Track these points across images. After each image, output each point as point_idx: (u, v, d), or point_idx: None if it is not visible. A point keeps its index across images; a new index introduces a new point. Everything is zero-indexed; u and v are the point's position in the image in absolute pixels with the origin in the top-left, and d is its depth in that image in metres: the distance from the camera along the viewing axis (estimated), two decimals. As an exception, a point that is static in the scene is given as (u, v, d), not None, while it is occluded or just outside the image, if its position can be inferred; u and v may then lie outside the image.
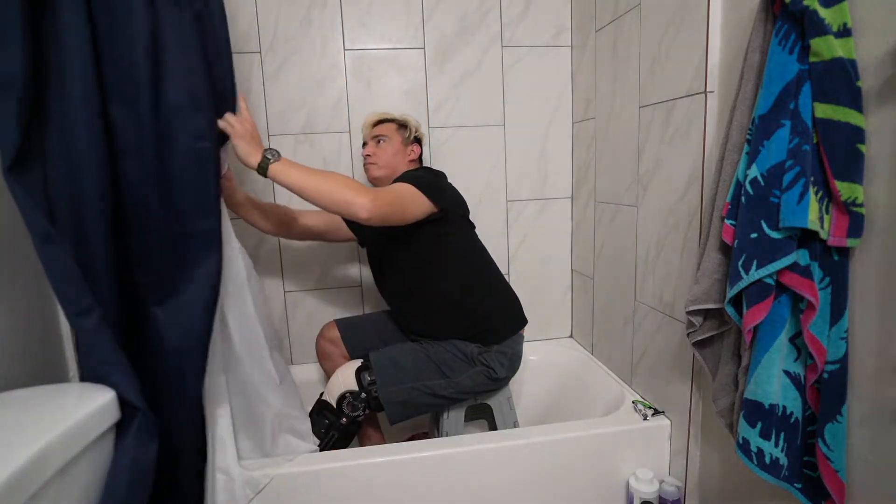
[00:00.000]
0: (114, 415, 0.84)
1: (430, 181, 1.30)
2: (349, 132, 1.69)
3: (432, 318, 1.37)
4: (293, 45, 1.62)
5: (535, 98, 1.77)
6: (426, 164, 1.72)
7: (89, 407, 0.79)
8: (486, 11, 1.69)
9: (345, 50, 1.65)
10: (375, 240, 1.43)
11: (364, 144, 1.50)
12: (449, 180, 1.46)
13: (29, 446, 0.67)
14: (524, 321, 1.46)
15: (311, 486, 1.16)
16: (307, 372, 1.72)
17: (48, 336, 1.04)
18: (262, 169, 1.08)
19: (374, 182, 1.46)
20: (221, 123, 1.06)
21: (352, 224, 1.37)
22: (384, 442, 1.52)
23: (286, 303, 1.75)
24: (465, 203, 1.43)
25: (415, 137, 1.49)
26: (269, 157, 1.08)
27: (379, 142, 1.44)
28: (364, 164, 1.47)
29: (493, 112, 1.76)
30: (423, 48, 1.69)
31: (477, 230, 1.48)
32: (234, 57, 1.56)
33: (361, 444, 1.48)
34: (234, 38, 1.57)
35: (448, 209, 1.32)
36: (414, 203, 1.23)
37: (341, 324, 1.56)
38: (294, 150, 1.67)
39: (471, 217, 1.46)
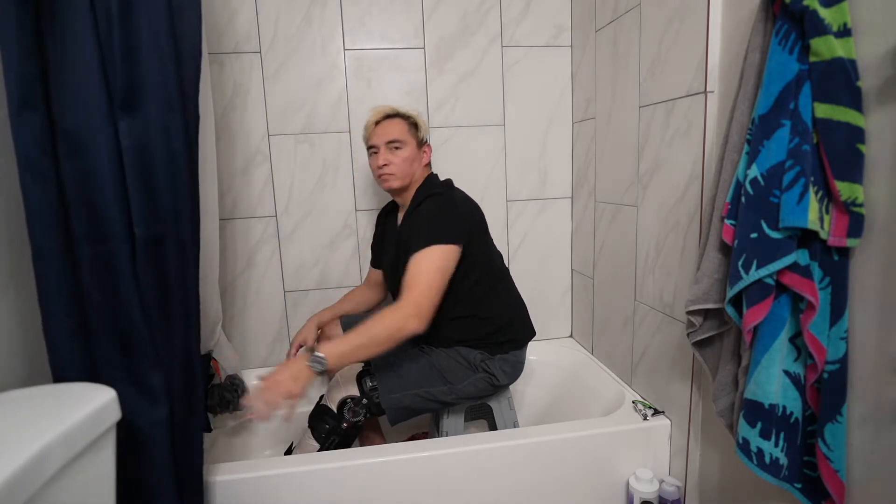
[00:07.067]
0: (114, 415, 0.84)
1: (448, 221, 1.21)
2: (349, 132, 1.69)
3: (441, 329, 1.32)
4: (293, 45, 1.62)
5: (535, 98, 1.76)
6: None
7: (89, 407, 0.79)
8: (486, 11, 1.69)
9: (345, 50, 1.65)
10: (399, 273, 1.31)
11: (370, 148, 1.34)
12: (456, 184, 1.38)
13: (29, 446, 0.67)
14: (531, 334, 1.43)
15: (311, 485, 1.16)
16: (307, 372, 1.72)
17: (48, 336, 1.04)
18: (323, 374, 1.08)
19: (389, 192, 1.37)
20: (274, 409, 1.02)
21: (380, 265, 1.54)
22: (384, 443, 1.52)
23: (286, 303, 1.75)
24: (477, 212, 1.34)
25: (425, 137, 1.37)
26: (315, 365, 1.06)
27: (395, 148, 1.30)
28: (378, 175, 1.32)
29: (493, 112, 1.76)
30: (423, 48, 1.69)
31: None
32: (235, 57, 1.59)
33: (362, 445, 1.47)
34: (235, 38, 1.59)
35: (469, 241, 1.24)
36: (447, 268, 1.18)
37: (344, 322, 1.54)
38: (294, 150, 1.67)
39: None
